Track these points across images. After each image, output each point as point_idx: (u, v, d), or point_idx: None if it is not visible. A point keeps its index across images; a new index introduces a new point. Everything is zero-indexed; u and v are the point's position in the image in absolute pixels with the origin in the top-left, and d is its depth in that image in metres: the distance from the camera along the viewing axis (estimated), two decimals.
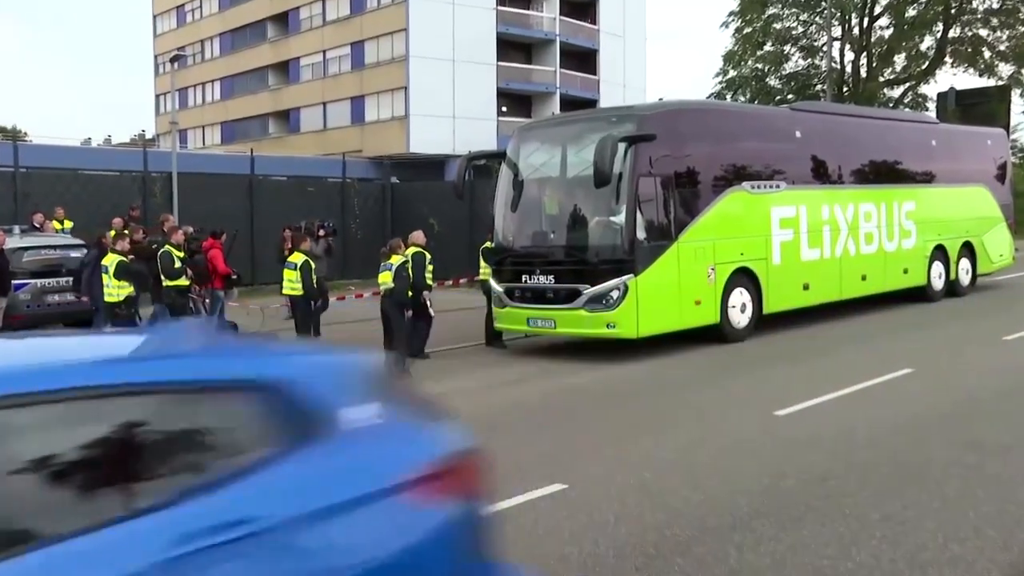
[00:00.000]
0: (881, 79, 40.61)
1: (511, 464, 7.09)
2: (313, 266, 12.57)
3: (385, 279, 11.57)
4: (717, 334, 13.24)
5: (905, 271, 17.10)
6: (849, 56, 40.68)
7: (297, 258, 12.56)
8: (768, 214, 14.19)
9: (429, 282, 13.12)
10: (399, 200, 26.63)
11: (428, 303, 12.96)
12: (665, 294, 12.37)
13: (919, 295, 17.49)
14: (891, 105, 39.47)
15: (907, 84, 40.88)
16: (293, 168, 31.28)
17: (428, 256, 13.13)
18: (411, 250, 13.10)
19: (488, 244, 13.57)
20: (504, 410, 9.26)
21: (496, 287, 13.26)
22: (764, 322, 14.08)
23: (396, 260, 11.57)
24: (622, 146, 11.81)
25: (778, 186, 14.40)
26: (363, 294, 18.31)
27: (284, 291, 12.71)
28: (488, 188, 20.69)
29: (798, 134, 15.08)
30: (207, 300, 14.40)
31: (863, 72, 40.28)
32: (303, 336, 12.47)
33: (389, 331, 11.48)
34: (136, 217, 16.87)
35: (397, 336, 11.35)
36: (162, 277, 12.39)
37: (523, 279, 12.76)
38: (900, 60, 40.71)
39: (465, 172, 14.00)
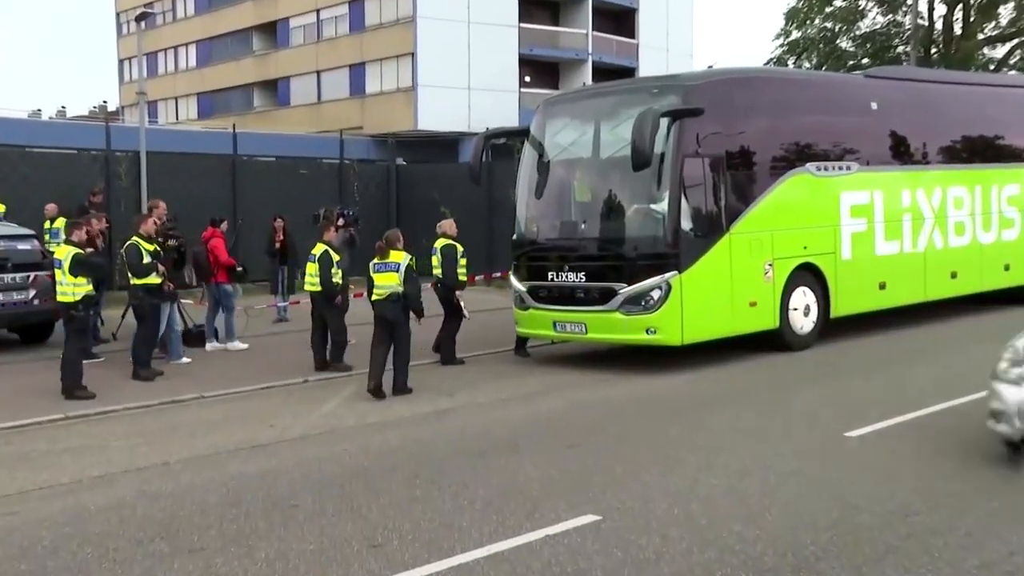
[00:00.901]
0: (980, 36, 39.64)
1: (534, 491, 7.09)
2: (335, 258, 12.63)
3: (386, 281, 11.17)
4: (776, 341, 13.19)
5: (1006, 267, 16.90)
6: (940, 10, 39.71)
7: (318, 249, 12.66)
8: (837, 200, 14.11)
9: (462, 278, 13.23)
10: (405, 184, 26.72)
11: (462, 303, 13.05)
12: (714, 294, 12.34)
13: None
14: (992, 68, 38.79)
15: (1014, 41, 39.82)
16: (282, 147, 31.45)
17: (460, 248, 13.24)
18: (440, 242, 13.25)
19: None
20: (526, 427, 9.29)
21: (517, 285, 13.29)
22: (832, 327, 14.00)
23: (399, 258, 11.15)
24: (665, 122, 11.79)
25: (849, 167, 14.32)
26: (364, 293, 18.36)
27: (306, 287, 12.88)
28: (509, 171, 20.72)
29: (874, 105, 14.98)
30: (201, 298, 14.51)
31: (957, 29, 39.43)
32: (339, 340, 12.61)
33: (384, 343, 11.17)
34: (97, 203, 16.86)
35: (401, 350, 11.18)
36: (128, 274, 12.41)
37: (549, 276, 12.78)
38: (1006, 11, 39.36)
39: (482, 152, 14.06)
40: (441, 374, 12.57)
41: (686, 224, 12.03)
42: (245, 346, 14.52)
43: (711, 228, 12.34)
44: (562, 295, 12.66)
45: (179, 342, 13.45)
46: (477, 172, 13.93)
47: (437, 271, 13.29)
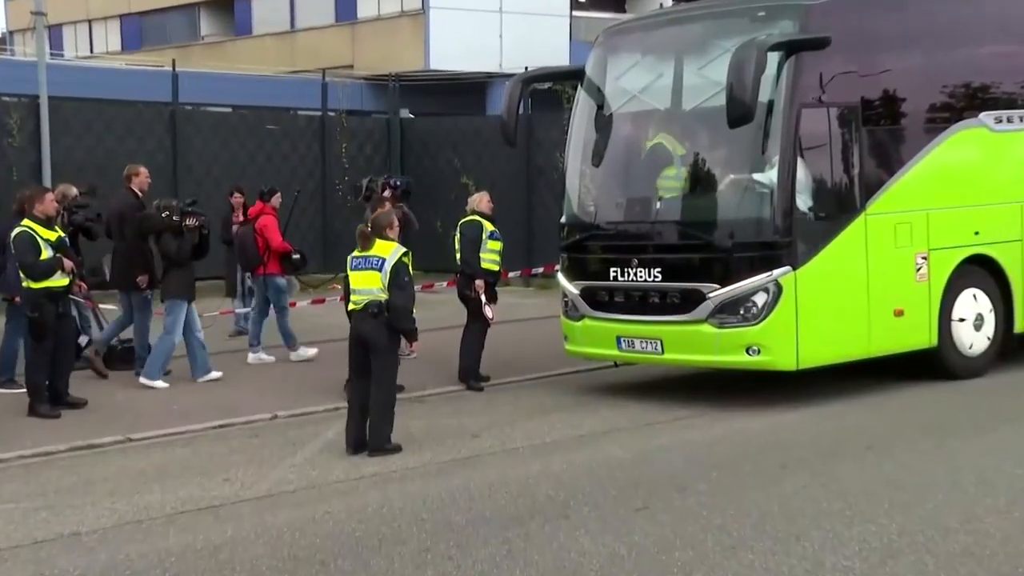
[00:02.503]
0: None
1: (591, 572, 7.06)
2: None
3: (365, 283, 10.69)
4: (933, 365, 13.10)
5: None
6: None
7: None
8: None
9: (489, 265, 13.39)
10: (413, 145, 26.79)
11: (482, 298, 13.19)
12: (843, 299, 12.27)
13: None
14: None
15: None
16: (242, 92, 31.61)
17: (489, 227, 13.41)
18: (466, 219, 13.50)
19: None
20: (579, 483, 9.26)
21: (567, 286, 13.30)
22: (1017, 346, 13.90)
23: (386, 251, 10.68)
24: (774, 57, 11.73)
25: None
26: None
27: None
28: (556, 127, 20.60)
29: None
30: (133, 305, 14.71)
31: None
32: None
33: (363, 377, 10.71)
34: None
35: (382, 388, 10.78)
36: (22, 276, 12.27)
37: (611, 274, 12.77)
38: None
39: (520, 102, 14.03)
40: (460, 407, 12.61)
41: (804, 201, 11.97)
42: (314, 351, 15.39)
43: (839, 206, 12.28)
44: (629, 300, 12.64)
45: (203, 352, 14.05)
46: (512, 129, 13.88)
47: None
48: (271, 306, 15.37)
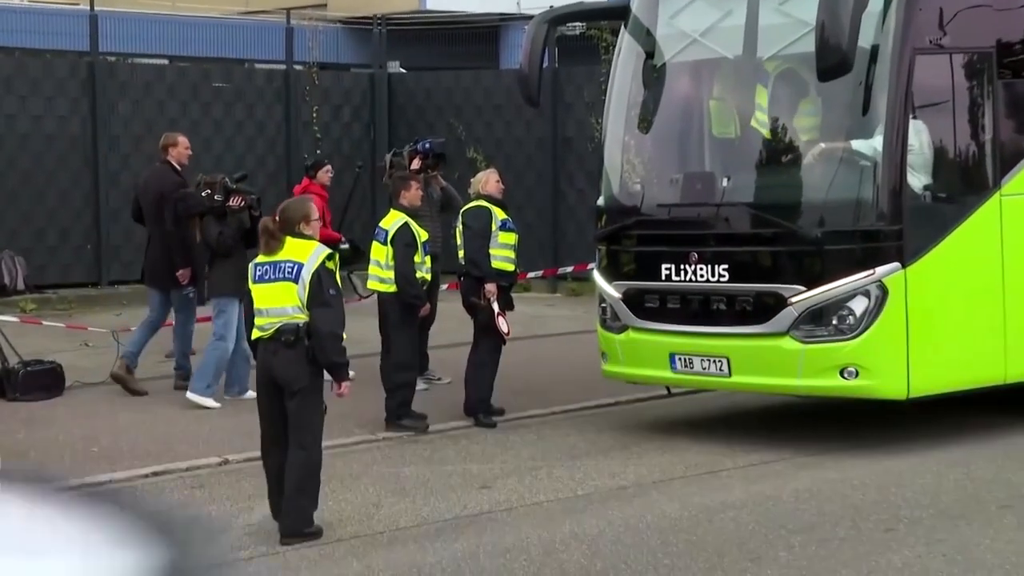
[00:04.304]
0: None
1: None
2: (421, 237, 12.95)
3: (274, 300, 9.95)
4: None
5: None
6: None
7: (391, 220, 12.92)
8: None
9: (506, 265, 13.46)
10: (404, 107, 26.98)
11: (494, 307, 13.22)
12: (969, 306, 12.24)
13: None
14: None
15: None
16: (182, 39, 31.58)
17: (501, 215, 13.47)
18: (470, 205, 13.62)
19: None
20: (623, 550, 9.23)
21: (606, 288, 13.31)
22: None
23: (302, 254, 9.95)
24: None
25: None
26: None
27: (369, 284, 13.46)
28: (591, 84, 20.56)
29: None
30: None
31: None
32: (402, 379, 12.94)
33: (281, 435, 10.13)
34: None
35: (303, 438, 9.82)
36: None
37: (663, 272, 12.77)
38: None
39: (543, 50, 14.08)
40: (466, 448, 12.63)
41: (917, 178, 11.96)
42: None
43: (965, 184, 12.37)
44: (687, 306, 12.66)
45: (245, 365, 14.25)
46: (535, 85, 13.90)
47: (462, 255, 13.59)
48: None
